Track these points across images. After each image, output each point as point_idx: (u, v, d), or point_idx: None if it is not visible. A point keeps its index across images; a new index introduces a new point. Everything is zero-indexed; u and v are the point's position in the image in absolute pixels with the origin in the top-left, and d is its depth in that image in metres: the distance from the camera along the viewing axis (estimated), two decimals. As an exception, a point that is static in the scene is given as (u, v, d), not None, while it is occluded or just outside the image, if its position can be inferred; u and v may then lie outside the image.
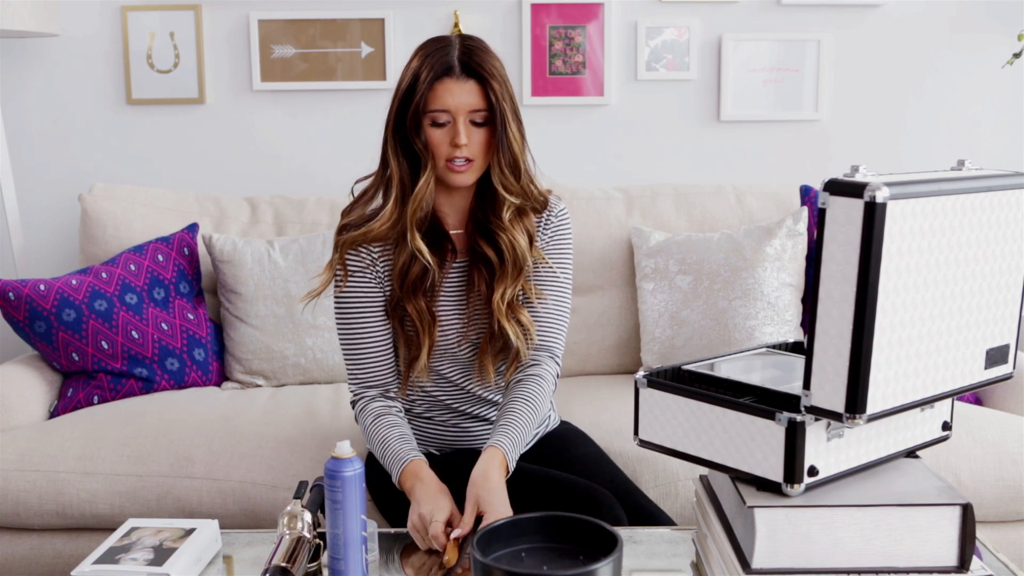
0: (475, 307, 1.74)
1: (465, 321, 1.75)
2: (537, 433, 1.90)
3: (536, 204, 1.75)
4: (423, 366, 1.72)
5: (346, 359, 1.76)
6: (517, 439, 1.65)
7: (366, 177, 1.75)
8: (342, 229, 1.75)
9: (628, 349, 2.55)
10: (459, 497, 1.69)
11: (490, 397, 1.83)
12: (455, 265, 1.75)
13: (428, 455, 1.81)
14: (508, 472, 1.61)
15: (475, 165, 1.66)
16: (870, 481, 1.31)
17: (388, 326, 1.75)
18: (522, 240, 1.71)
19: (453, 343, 1.76)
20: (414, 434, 1.81)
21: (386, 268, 1.73)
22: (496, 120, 1.64)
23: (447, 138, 1.64)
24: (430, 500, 1.56)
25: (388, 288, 1.73)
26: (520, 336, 1.72)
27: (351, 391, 1.78)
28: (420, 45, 1.68)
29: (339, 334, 1.76)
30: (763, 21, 2.84)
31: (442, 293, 1.74)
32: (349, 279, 1.73)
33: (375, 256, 1.73)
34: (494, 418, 1.82)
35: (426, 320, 1.71)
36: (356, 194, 1.77)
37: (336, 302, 1.76)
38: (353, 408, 1.77)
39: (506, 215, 1.70)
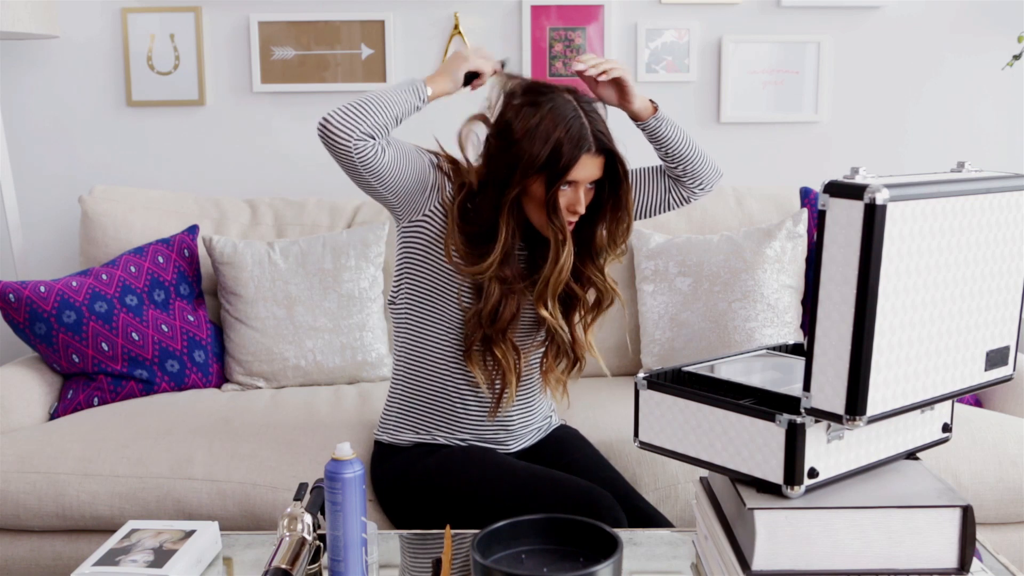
0: (556, 340, 1.81)
1: (534, 341, 1.83)
2: (539, 428, 1.92)
3: None
4: (512, 396, 1.78)
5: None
6: (675, 123, 1.84)
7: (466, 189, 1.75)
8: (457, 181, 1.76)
9: (628, 351, 2.55)
10: (457, 508, 1.70)
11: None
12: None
13: (444, 444, 1.82)
14: (655, 110, 1.82)
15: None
16: (870, 483, 1.31)
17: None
18: (611, 279, 1.81)
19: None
20: (434, 418, 1.83)
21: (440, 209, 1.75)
22: (620, 188, 1.72)
23: (564, 202, 1.68)
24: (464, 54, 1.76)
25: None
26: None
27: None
28: (546, 113, 1.66)
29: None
30: (763, 23, 2.84)
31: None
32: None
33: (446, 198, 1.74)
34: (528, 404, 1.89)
35: (511, 357, 1.76)
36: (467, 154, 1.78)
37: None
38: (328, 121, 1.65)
39: (607, 266, 1.80)
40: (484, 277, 1.70)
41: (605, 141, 1.68)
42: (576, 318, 1.81)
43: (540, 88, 1.70)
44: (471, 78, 1.80)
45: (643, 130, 1.83)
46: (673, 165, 1.86)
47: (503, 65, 1.84)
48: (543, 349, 1.83)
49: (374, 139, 1.64)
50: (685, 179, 1.87)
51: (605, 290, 1.80)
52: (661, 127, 1.81)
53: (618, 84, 1.77)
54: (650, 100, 1.82)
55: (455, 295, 1.75)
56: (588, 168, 1.67)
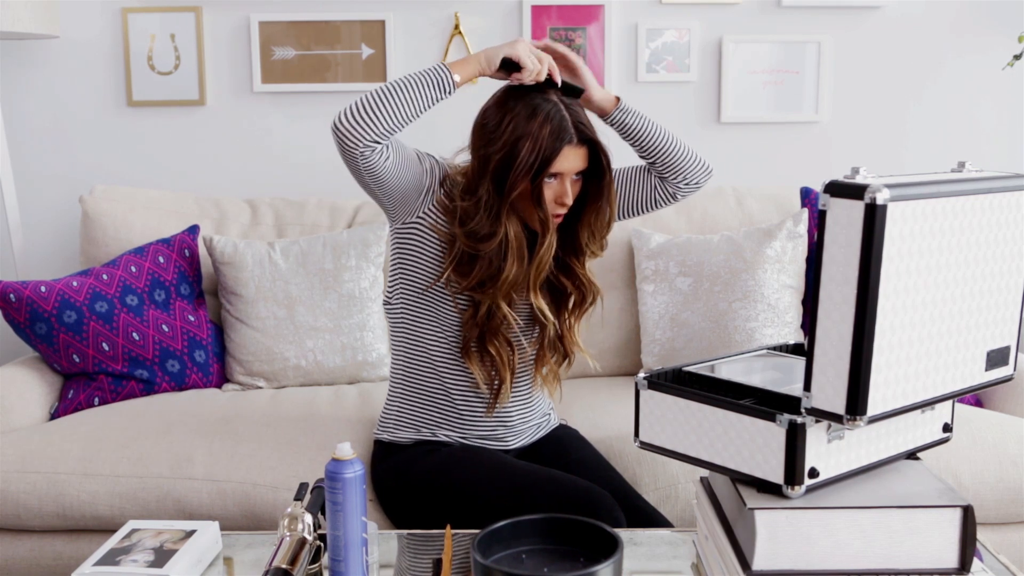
0: (547, 333, 1.84)
1: (530, 339, 1.85)
2: (538, 424, 1.93)
3: None
4: (508, 391, 1.80)
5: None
6: (640, 113, 1.81)
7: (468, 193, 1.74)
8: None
9: (628, 351, 2.55)
10: (457, 508, 1.70)
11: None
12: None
13: (444, 442, 1.83)
14: (617, 102, 1.80)
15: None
16: (871, 483, 1.31)
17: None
18: (592, 275, 1.83)
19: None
20: (434, 416, 1.84)
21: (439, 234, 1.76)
22: (602, 180, 1.73)
23: (551, 195, 1.70)
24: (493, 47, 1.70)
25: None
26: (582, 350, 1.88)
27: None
28: (525, 108, 1.67)
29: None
30: (763, 23, 2.84)
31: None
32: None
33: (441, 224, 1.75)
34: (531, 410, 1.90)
35: (506, 353, 1.79)
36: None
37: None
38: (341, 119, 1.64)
39: (588, 262, 1.82)
40: (504, 285, 1.71)
41: (587, 132, 1.69)
42: (564, 314, 1.84)
43: (519, 90, 1.70)
44: (511, 66, 1.69)
45: (611, 125, 1.82)
46: (651, 159, 1.85)
47: (569, 91, 1.72)
48: (537, 346, 1.84)
49: (382, 143, 1.63)
50: (667, 174, 1.86)
51: (587, 286, 1.82)
52: (628, 119, 1.80)
53: (567, 65, 1.76)
54: (615, 96, 1.81)
55: (450, 296, 1.76)
56: (571, 159, 1.68)
